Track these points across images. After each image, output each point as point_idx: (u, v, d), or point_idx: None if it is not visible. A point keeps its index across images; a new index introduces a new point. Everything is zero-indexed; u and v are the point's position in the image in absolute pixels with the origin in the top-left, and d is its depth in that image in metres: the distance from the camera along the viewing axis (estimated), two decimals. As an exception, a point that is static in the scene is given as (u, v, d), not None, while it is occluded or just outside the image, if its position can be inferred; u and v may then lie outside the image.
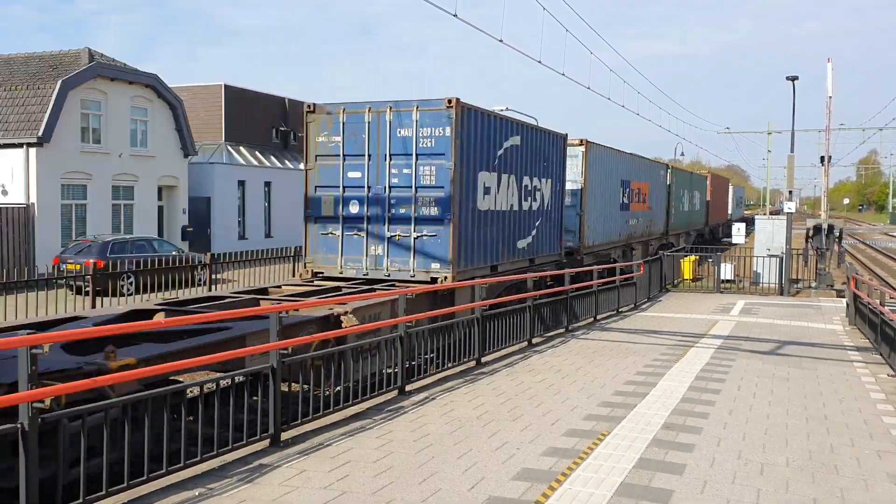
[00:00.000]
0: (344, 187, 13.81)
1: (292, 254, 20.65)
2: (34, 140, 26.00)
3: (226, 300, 11.12)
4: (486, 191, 14.56)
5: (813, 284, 25.29)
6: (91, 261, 19.05)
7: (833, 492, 5.98)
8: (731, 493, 5.88)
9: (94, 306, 14.23)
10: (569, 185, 19.84)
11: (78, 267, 20.04)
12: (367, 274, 13.65)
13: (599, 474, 6.20)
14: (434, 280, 13.10)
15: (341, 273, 13.80)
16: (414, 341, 9.25)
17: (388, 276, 13.48)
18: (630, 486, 5.94)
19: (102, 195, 29.00)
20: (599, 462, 6.52)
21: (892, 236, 68.25)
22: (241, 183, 37.67)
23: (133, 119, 30.44)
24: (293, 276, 18.56)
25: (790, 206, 25.57)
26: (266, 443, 6.72)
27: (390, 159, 13.45)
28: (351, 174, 13.76)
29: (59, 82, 26.63)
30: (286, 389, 7.09)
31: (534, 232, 17.11)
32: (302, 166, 15.12)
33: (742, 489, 5.97)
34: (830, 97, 27.19)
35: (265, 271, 21.58)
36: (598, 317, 16.26)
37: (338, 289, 12.67)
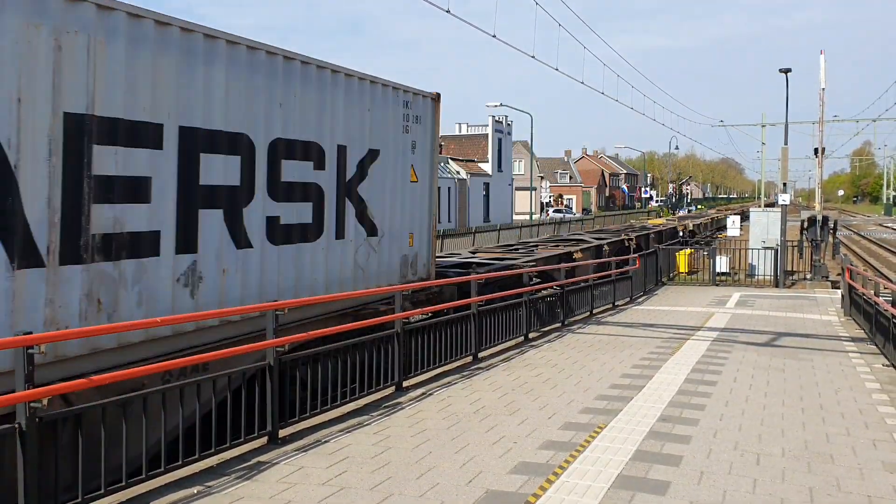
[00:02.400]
0: None
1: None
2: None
3: None
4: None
5: (808, 276, 25.32)
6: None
7: (829, 481, 6.01)
8: (728, 483, 5.91)
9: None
10: None
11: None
12: None
13: (597, 467, 6.23)
14: None
15: None
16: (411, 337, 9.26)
17: None
18: (627, 479, 5.97)
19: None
20: (596, 455, 6.54)
21: (887, 227, 68.45)
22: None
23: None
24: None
25: (785, 198, 25.61)
26: (264, 440, 6.73)
27: None
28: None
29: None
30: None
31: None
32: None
33: (738, 480, 6.00)
34: (824, 89, 27.19)
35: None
36: (594, 311, 16.29)
37: None
